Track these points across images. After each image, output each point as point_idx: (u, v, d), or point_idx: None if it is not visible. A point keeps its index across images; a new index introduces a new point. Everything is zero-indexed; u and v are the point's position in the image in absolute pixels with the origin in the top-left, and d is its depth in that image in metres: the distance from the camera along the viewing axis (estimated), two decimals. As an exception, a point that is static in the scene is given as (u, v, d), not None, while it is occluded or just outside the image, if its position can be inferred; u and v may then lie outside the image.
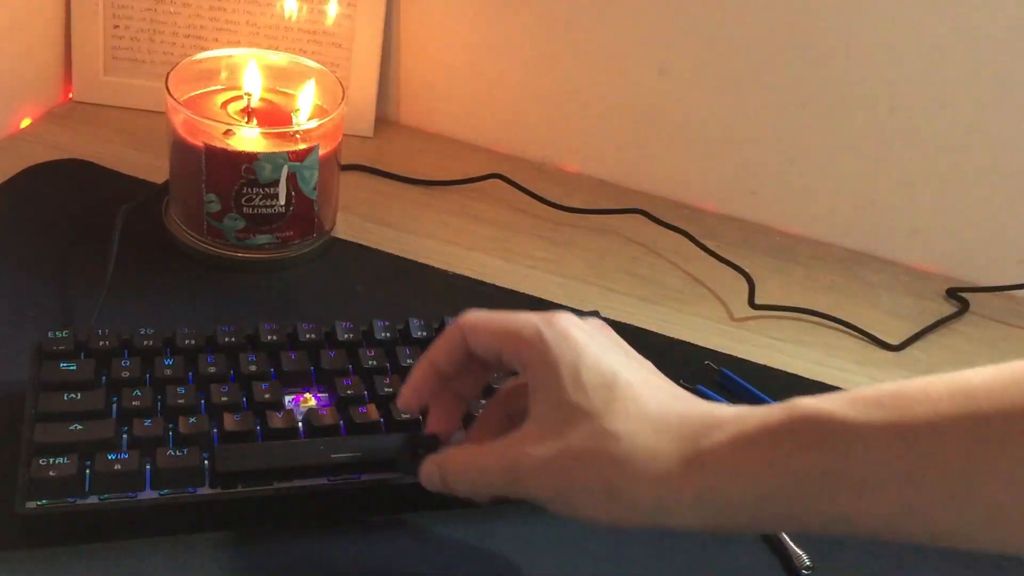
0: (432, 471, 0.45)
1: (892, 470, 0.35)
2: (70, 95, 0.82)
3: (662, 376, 0.44)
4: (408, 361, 0.56)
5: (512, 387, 0.48)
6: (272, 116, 0.68)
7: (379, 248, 0.72)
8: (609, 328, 0.46)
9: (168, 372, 0.53)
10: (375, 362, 0.56)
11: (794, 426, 0.37)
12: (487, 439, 0.44)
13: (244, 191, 0.64)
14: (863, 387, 0.37)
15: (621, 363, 0.42)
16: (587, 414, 0.40)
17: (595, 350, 0.42)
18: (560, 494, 0.41)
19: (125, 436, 0.50)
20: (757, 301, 0.74)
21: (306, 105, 0.68)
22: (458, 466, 0.44)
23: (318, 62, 0.70)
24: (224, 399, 0.52)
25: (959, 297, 0.79)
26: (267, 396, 0.53)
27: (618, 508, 0.39)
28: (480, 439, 0.45)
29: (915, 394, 0.35)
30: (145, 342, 0.54)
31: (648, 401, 0.41)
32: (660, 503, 0.39)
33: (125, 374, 0.52)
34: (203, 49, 0.74)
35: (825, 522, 0.37)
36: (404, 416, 0.53)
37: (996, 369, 0.35)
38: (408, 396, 0.47)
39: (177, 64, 0.67)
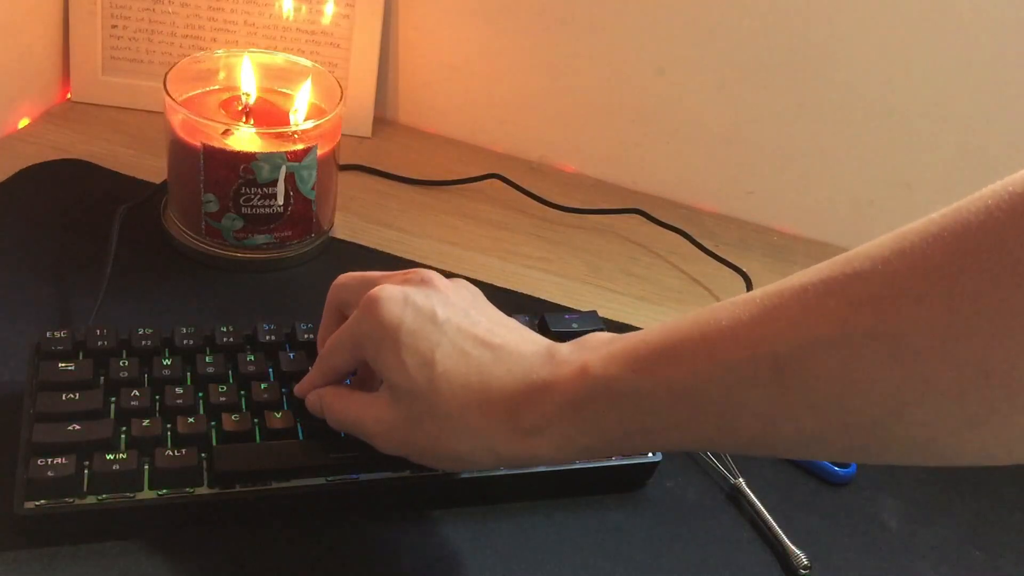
0: (315, 401, 0.50)
1: (671, 418, 0.40)
2: (68, 95, 0.82)
3: (486, 323, 0.47)
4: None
5: None
6: (270, 116, 0.68)
7: (377, 248, 0.72)
8: (430, 283, 0.48)
9: (166, 372, 0.53)
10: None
11: (590, 396, 0.42)
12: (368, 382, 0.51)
13: (242, 191, 0.64)
14: (639, 336, 0.42)
15: (436, 337, 0.45)
16: (415, 393, 0.44)
17: (410, 327, 0.45)
18: (409, 454, 0.46)
19: (123, 436, 0.50)
20: (755, 301, 0.74)
21: (302, 105, 0.68)
22: (330, 408, 0.49)
23: (316, 62, 0.70)
24: (222, 399, 0.52)
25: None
26: (265, 396, 0.53)
27: (465, 465, 0.46)
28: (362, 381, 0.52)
29: (678, 349, 0.40)
30: (143, 342, 0.54)
31: (468, 375, 0.44)
32: (499, 463, 0.45)
33: (123, 374, 0.52)
34: (201, 49, 0.74)
35: (638, 451, 0.45)
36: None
37: (740, 308, 0.39)
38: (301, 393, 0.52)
39: (175, 64, 0.66)
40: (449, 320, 0.46)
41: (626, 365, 0.41)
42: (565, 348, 0.45)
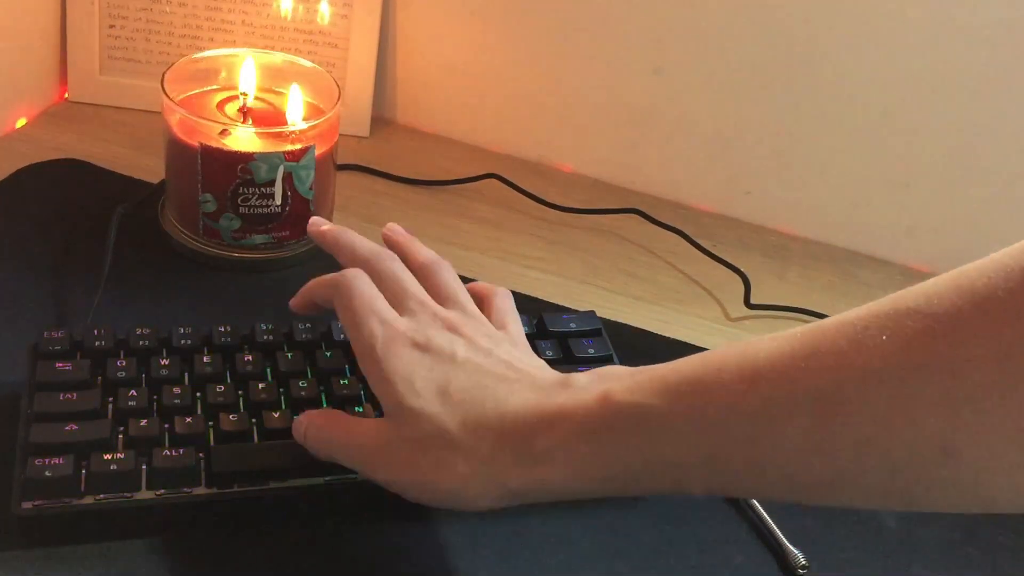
0: (300, 424, 0.48)
1: (699, 452, 0.39)
2: (65, 95, 0.82)
3: (507, 361, 0.46)
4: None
5: None
6: (268, 116, 0.68)
7: (375, 248, 0.72)
8: (457, 330, 0.47)
9: (164, 372, 0.53)
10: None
11: (612, 421, 0.40)
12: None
13: (240, 191, 0.64)
14: (668, 367, 0.41)
15: (453, 371, 0.44)
16: (426, 415, 0.43)
17: (423, 372, 0.44)
18: (408, 483, 0.44)
19: (121, 436, 0.50)
20: (753, 301, 0.74)
21: (295, 106, 0.67)
22: (320, 431, 0.47)
23: (314, 62, 0.70)
24: (220, 399, 0.52)
25: (954, 297, 0.79)
26: (263, 396, 0.53)
27: (466, 498, 0.43)
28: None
29: (711, 379, 0.39)
30: (141, 342, 0.54)
31: (484, 403, 0.43)
32: (504, 496, 0.43)
33: (121, 374, 0.52)
34: (199, 49, 0.74)
35: (657, 490, 0.42)
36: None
37: (780, 342, 0.38)
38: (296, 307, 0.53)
39: (173, 64, 0.66)
40: (469, 360, 0.45)
41: (653, 393, 0.40)
42: (582, 377, 0.44)
